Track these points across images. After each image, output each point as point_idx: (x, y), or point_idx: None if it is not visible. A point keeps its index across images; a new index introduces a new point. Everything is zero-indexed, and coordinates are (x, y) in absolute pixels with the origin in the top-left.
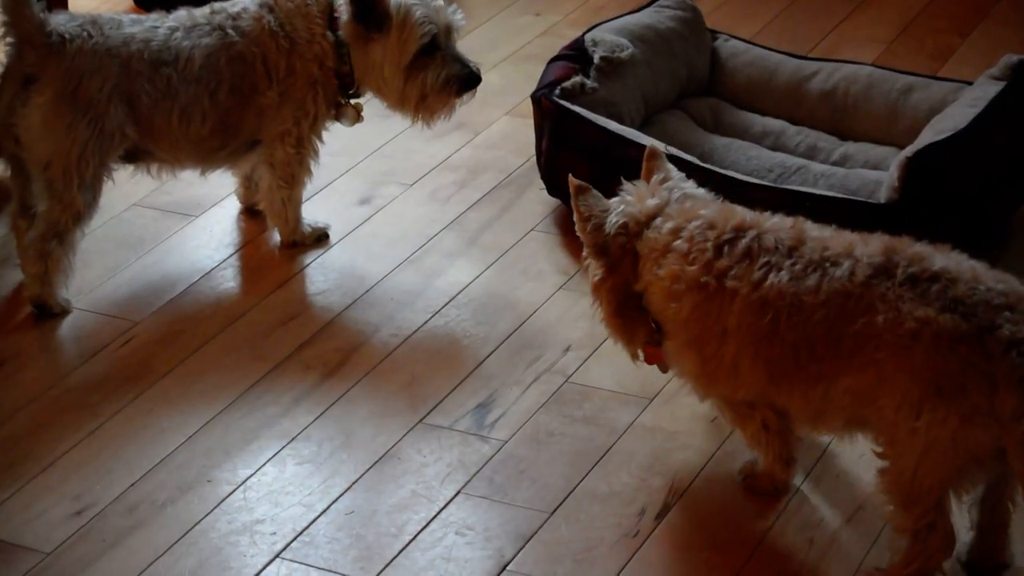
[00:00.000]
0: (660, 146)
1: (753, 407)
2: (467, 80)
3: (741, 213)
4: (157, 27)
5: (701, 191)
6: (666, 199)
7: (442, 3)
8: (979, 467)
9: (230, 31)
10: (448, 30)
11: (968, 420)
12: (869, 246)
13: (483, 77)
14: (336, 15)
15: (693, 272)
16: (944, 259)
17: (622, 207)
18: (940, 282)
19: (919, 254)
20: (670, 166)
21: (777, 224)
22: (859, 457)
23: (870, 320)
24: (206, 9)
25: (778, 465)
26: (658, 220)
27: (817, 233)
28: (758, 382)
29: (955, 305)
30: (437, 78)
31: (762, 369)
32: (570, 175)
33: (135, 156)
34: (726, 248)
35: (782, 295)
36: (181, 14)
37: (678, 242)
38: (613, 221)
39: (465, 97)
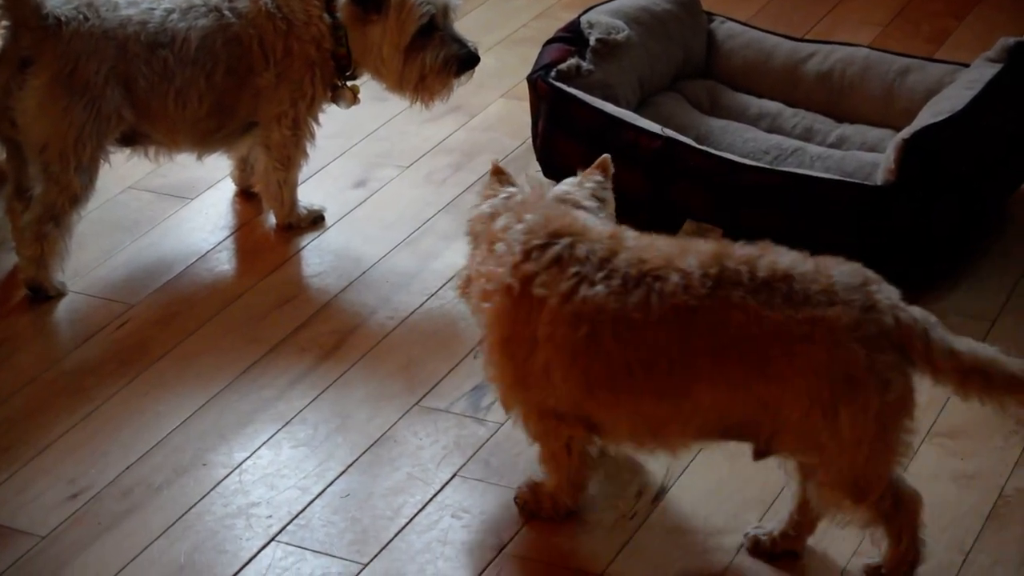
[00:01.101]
0: (657, 128)
1: (561, 420)
2: (466, 60)
3: (568, 220)
4: (153, 9)
5: (589, 203)
6: (532, 197)
7: None
8: (912, 430)
9: (226, 12)
10: (445, 10)
11: (889, 397)
12: (690, 257)
13: (480, 58)
14: None
15: (501, 274)
16: (779, 257)
17: (499, 196)
18: (797, 280)
19: (750, 256)
20: (601, 177)
21: (599, 233)
22: None
23: (734, 333)
24: None
25: (566, 489)
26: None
27: (633, 243)
28: (573, 393)
29: (830, 297)
30: (436, 58)
31: (578, 381)
32: (492, 161)
33: (132, 139)
34: (535, 253)
35: (601, 310)
36: None
37: (499, 244)
38: (477, 206)
39: (464, 77)
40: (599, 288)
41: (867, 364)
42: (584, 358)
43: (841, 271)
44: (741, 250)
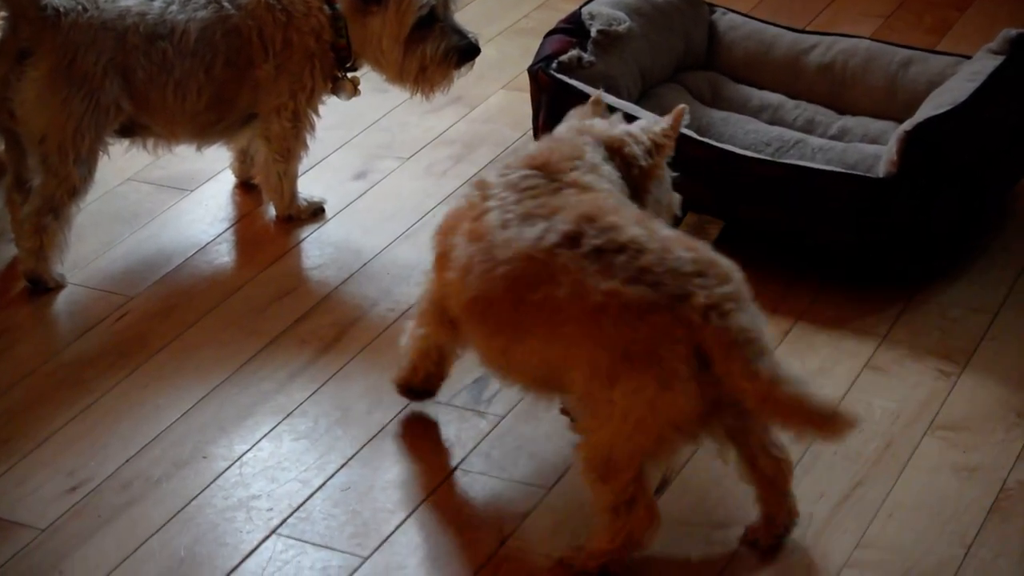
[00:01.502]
0: (654, 119)
1: (441, 320)
2: (466, 51)
3: (556, 157)
4: (152, 0)
5: (635, 147)
6: (574, 130)
7: None
8: (680, 434)
9: (226, 4)
10: (446, 1)
11: (667, 387)
12: (571, 212)
13: (481, 49)
14: None
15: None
16: (637, 228)
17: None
18: (627, 253)
19: (612, 224)
20: (666, 125)
21: (562, 176)
22: (858, 432)
23: (551, 291)
24: None
25: (406, 367)
26: None
27: (567, 191)
28: (458, 301)
29: (642, 275)
30: (436, 50)
31: (460, 293)
32: (596, 93)
33: (131, 130)
34: (500, 175)
35: (481, 237)
36: None
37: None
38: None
39: (464, 68)
40: (496, 216)
41: (650, 347)
42: (464, 273)
43: (681, 257)
44: (611, 217)
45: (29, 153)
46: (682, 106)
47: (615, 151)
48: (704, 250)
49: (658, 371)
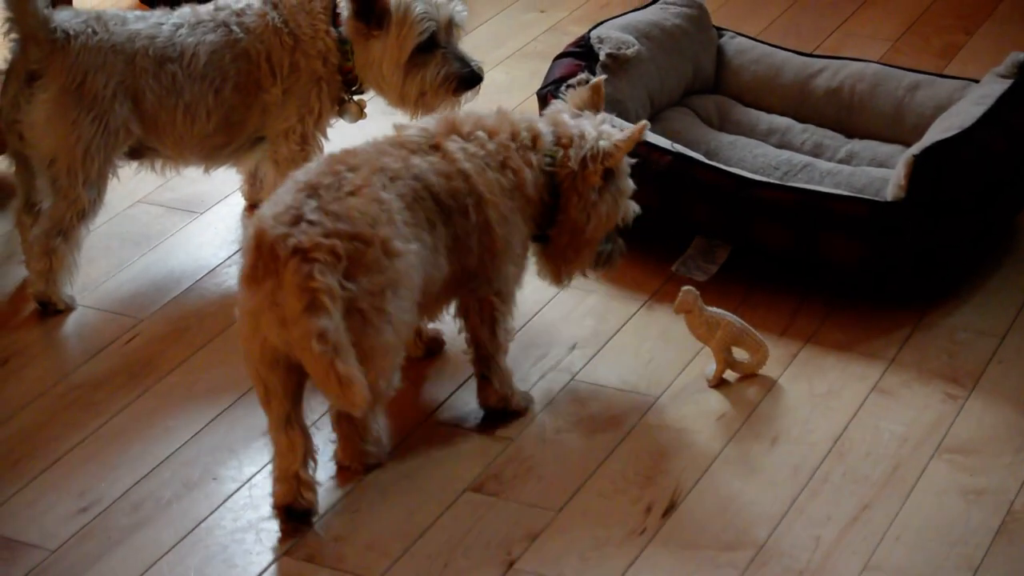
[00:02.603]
0: (667, 144)
1: None
2: (466, 79)
3: (481, 122)
4: (162, 24)
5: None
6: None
7: None
8: (276, 361)
9: (234, 28)
10: (449, 26)
11: (255, 312)
12: (324, 168)
13: (488, 74)
14: (339, 11)
15: None
16: (329, 178)
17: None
18: (305, 191)
19: (332, 170)
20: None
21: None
22: (866, 455)
23: None
24: (210, 6)
25: None
26: None
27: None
28: None
29: (289, 209)
30: (436, 76)
31: None
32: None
33: (139, 153)
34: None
35: None
36: (185, 11)
37: None
38: None
39: (469, 95)
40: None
41: (257, 271)
42: None
43: (327, 208)
44: (340, 165)
45: (39, 175)
46: (643, 122)
47: (562, 146)
48: (364, 207)
49: (256, 293)
